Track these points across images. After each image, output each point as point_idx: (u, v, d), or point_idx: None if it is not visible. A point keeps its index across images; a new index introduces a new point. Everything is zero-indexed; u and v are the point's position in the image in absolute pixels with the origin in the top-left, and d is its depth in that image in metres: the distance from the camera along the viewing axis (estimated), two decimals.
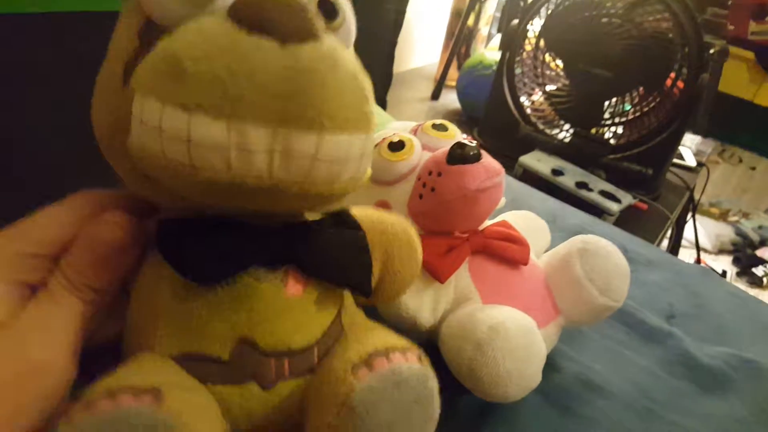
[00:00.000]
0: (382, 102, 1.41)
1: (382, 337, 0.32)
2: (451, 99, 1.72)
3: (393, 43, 1.36)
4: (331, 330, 0.33)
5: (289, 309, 0.31)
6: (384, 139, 0.54)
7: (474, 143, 0.48)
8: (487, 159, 0.48)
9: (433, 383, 0.30)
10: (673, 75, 1.18)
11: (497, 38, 1.71)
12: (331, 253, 0.33)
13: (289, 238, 0.31)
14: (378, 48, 1.36)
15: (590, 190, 1.17)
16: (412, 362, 0.30)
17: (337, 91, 0.25)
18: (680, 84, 1.18)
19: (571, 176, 1.20)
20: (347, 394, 0.27)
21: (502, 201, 0.60)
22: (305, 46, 0.24)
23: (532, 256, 0.53)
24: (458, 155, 0.47)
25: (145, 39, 0.27)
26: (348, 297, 0.36)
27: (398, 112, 1.58)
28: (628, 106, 1.25)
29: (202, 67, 0.23)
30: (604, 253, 0.49)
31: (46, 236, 0.30)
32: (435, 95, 1.74)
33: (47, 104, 0.54)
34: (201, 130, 0.23)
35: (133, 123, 0.25)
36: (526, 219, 0.61)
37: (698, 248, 1.62)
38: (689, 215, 1.54)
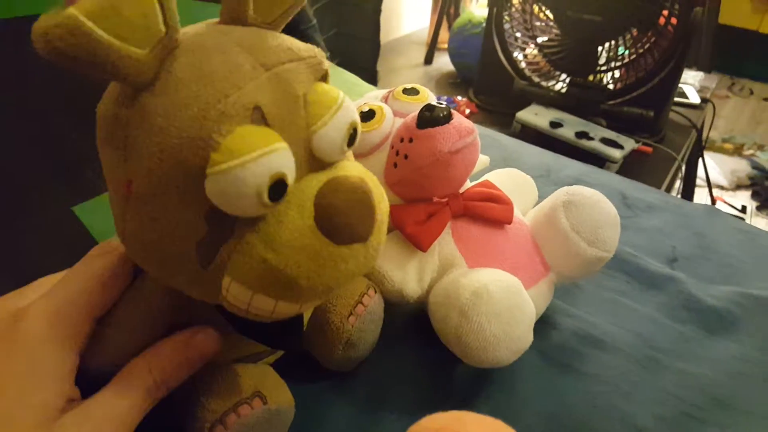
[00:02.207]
0: (372, 72, 1.39)
1: (353, 288, 0.44)
2: (444, 62, 1.69)
3: (377, 11, 1.33)
4: None
5: None
6: None
7: (444, 104, 0.46)
8: (458, 119, 0.46)
9: (381, 299, 0.46)
10: (665, 12, 1.15)
11: None
12: None
13: None
14: (362, 18, 1.33)
15: (591, 138, 1.14)
16: (373, 297, 0.44)
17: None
18: (674, 21, 1.15)
19: (570, 127, 1.18)
20: (348, 335, 0.42)
21: (486, 160, 0.58)
22: (374, 231, 0.30)
23: (518, 213, 0.51)
24: (427, 118, 0.45)
25: (214, 224, 0.28)
26: None
27: (391, 81, 1.56)
28: (622, 49, 1.22)
29: (315, 282, 0.28)
30: (590, 203, 0.48)
31: (93, 301, 0.32)
32: (428, 60, 1.72)
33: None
34: (308, 306, 0.32)
35: (230, 299, 0.29)
36: (510, 176, 0.59)
37: (710, 186, 1.59)
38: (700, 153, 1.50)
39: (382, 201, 0.32)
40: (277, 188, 0.26)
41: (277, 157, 0.26)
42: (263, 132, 0.27)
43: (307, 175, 0.29)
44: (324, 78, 0.32)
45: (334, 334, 0.42)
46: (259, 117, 0.27)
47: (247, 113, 0.26)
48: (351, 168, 0.32)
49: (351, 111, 0.31)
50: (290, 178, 0.27)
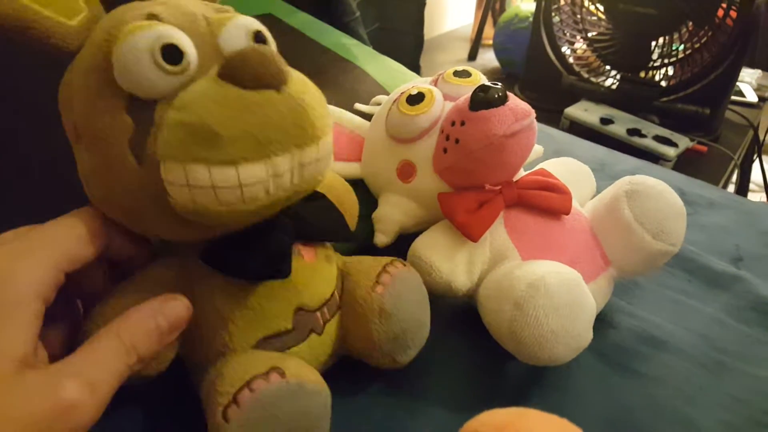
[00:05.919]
0: (415, 67, 1.36)
1: (372, 262, 0.42)
2: (488, 58, 1.67)
3: (422, 5, 1.31)
4: (338, 275, 0.42)
5: (314, 270, 0.39)
6: (402, 93, 0.50)
7: (499, 85, 0.43)
8: (514, 101, 0.43)
9: (416, 273, 0.43)
10: (724, 5, 1.10)
11: None
12: (319, 221, 0.41)
13: (289, 224, 0.38)
14: (407, 12, 1.31)
15: (643, 136, 1.10)
16: (400, 267, 0.41)
17: (318, 107, 0.31)
18: (733, 14, 1.10)
19: (621, 124, 1.14)
20: (379, 303, 0.39)
21: (539, 149, 0.55)
22: (289, 84, 0.30)
23: (576, 204, 0.48)
24: (481, 99, 0.42)
25: (136, 116, 0.30)
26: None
27: None
28: (677, 45, 1.17)
29: (233, 129, 0.28)
30: (655, 193, 0.44)
31: (72, 252, 0.31)
32: (472, 56, 1.69)
33: None
34: (248, 174, 0.29)
35: (173, 189, 0.29)
36: (567, 165, 0.56)
37: None
38: (755, 155, 1.44)
39: (311, 93, 0.32)
40: (172, 51, 0.29)
41: (166, 29, 0.29)
42: (156, 23, 0.30)
43: None
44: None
45: (364, 308, 0.39)
46: (156, 20, 0.30)
47: (143, 17, 0.30)
48: None
49: (250, 20, 0.34)
50: (186, 48, 0.30)
